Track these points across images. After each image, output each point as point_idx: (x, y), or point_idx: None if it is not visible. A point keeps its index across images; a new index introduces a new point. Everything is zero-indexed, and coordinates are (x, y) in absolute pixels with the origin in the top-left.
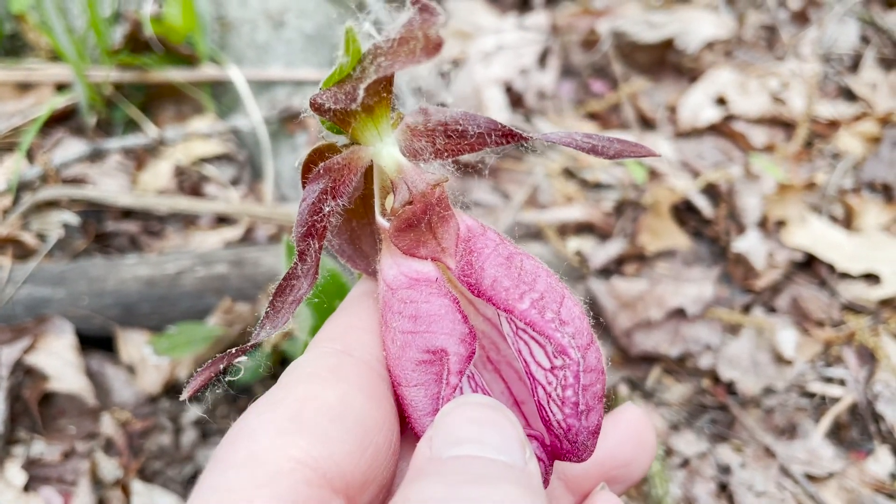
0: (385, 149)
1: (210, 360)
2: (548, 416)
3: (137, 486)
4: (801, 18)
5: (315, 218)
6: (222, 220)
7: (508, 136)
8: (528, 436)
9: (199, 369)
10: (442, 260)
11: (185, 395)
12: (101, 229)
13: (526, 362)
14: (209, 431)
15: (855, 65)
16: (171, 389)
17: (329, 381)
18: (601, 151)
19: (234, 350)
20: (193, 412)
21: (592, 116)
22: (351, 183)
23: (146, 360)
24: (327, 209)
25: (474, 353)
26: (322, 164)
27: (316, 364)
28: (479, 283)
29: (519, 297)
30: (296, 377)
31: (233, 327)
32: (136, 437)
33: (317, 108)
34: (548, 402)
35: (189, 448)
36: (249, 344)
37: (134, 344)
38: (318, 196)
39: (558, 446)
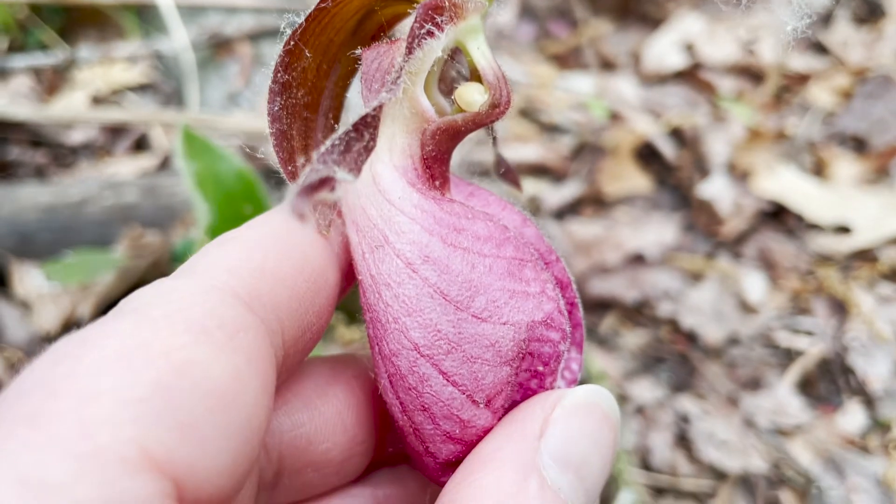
0: (482, 29)
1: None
2: None
3: None
4: None
5: (421, 45)
6: (139, 148)
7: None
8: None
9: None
10: (443, 190)
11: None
12: (3, 157)
13: None
14: None
15: (826, 20)
16: (71, 329)
17: (222, 346)
18: (496, 160)
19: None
20: None
21: (553, 58)
22: (443, 34)
23: (43, 294)
24: (427, 46)
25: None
26: None
27: (204, 309)
28: None
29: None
30: (172, 320)
31: (141, 259)
32: None
33: None
34: None
35: None
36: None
37: (31, 277)
38: (433, 26)
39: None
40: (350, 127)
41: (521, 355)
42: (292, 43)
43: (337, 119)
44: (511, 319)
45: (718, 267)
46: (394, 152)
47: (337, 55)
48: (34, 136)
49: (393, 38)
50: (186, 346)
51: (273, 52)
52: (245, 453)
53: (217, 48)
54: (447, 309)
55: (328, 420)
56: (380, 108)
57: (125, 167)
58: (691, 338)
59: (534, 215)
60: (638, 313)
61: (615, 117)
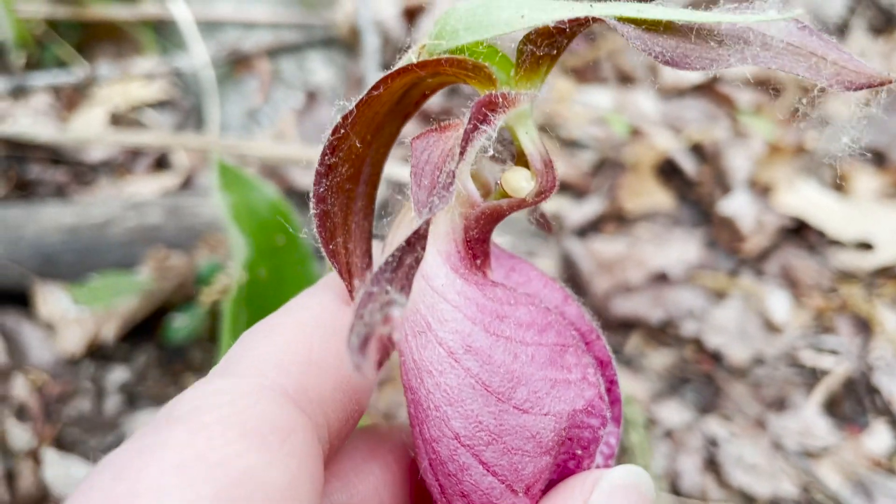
0: (531, 115)
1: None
2: None
3: (51, 455)
4: None
5: (471, 140)
6: (159, 166)
7: None
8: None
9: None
10: (484, 269)
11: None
12: (23, 176)
13: None
14: (136, 396)
15: (842, 31)
16: (96, 352)
17: (276, 451)
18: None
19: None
20: (119, 374)
21: (571, 71)
22: (493, 127)
23: (67, 316)
24: (478, 142)
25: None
26: (499, 90)
27: (256, 412)
28: None
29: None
30: (225, 426)
31: (166, 281)
32: (52, 401)
33: (579, 26)
34: None
35: (113, 414)
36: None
37: (54, 298)
38: (483, 121)
39: None
40: (403, 243)
41: (560, 442)
42: (342, 131)
43: (375, 186)
44: (552, 410)
45: (742, 285)
46: (437, 237)
47: (381, 124)
48: (54, 155)
49: (442, 125)
50: (242, 455)
51: (291, 67)
52: None
53: (235, 64)
54: (489, 400)
55: (365, 498)
56: (431, 218)
57: (146, 186)
58: (716, 357)
59: (556, 233)
60: (662, 332)
61: (635, 132)
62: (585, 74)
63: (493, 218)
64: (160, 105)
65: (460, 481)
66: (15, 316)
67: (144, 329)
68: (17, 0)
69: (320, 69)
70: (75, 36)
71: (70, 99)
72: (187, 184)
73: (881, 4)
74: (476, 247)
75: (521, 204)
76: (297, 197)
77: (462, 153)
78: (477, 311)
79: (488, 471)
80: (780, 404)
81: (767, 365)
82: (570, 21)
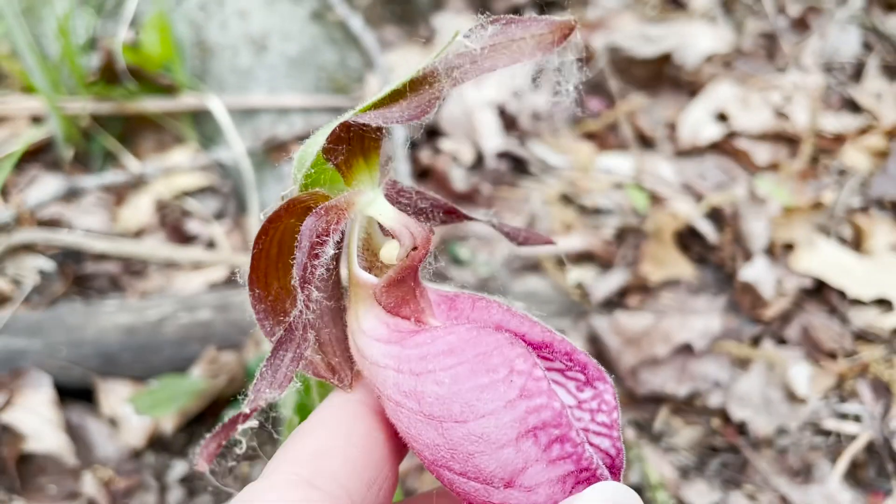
0: (379, 196)
1: (218, 427)
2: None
3: None
4: (801, 26)
5: (313, 262)
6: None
7: (452, 213)
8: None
9: (206, 436)
10: (423, 320)
11: (201, 466)
12: (79, 271)
13: None
14: (196, 489)
15: (857, 73)
16: (156, 443)
17: None
18: (512, 237)
19: (238, 416)
20: (179, 468)
21: (590, 136)
22: (338, 231)
23: (128, 414)
24: (323, 256)
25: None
26: (323, 204)
27: (277, 496)
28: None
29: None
30: None
31: (218, 378)
32: (119, 496)
33: (346, 131)
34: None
35: None
36: (249, 410)
37: (115, 395)
38: (318, 237)
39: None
40: (274, 347)
41: (521, 435)
42: (256, 290)
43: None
44: (486, 410)
45: (765, 354)
46: (361, 320)
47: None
48: (102, 253)
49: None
50: None
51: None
52: None
53: (270, 150)
54: (434, 426)
55: None
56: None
57: (194, 279)
58: (742, 429)
59: (582, 306)
60: (689, 405)
61: (655, 199)
62: (606, 140)
63: (396, 285)
64: (201, 191)
65: (458, 492)
66: (80, 412)
67: (199, 419)
68: (62, 99)
69: None
70: (118, 127)
71: (119, 193)
72: (234, 274)
73: None
74: (402, 310)
75: (406, 266)
76: None
77: (303, 286)
78: (401, 363)
79: (467, 477)
80: (805, 473)
81: (791, 434)
82: (328, 141)
